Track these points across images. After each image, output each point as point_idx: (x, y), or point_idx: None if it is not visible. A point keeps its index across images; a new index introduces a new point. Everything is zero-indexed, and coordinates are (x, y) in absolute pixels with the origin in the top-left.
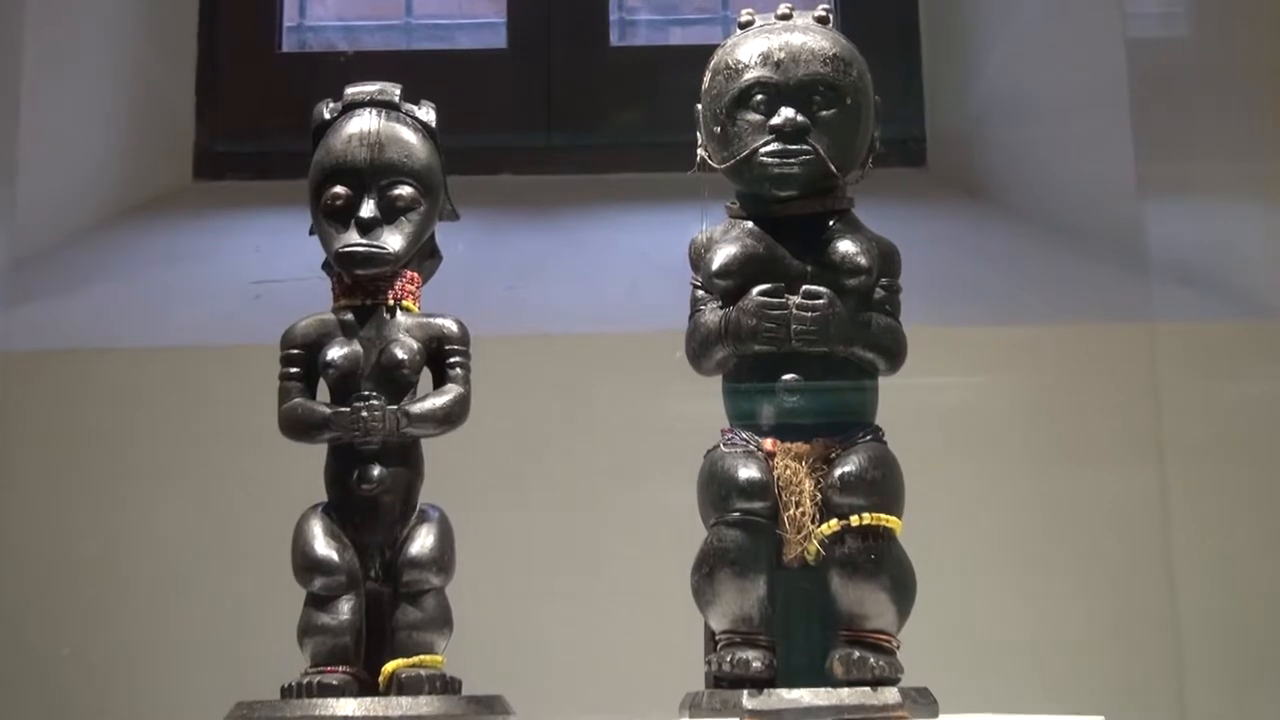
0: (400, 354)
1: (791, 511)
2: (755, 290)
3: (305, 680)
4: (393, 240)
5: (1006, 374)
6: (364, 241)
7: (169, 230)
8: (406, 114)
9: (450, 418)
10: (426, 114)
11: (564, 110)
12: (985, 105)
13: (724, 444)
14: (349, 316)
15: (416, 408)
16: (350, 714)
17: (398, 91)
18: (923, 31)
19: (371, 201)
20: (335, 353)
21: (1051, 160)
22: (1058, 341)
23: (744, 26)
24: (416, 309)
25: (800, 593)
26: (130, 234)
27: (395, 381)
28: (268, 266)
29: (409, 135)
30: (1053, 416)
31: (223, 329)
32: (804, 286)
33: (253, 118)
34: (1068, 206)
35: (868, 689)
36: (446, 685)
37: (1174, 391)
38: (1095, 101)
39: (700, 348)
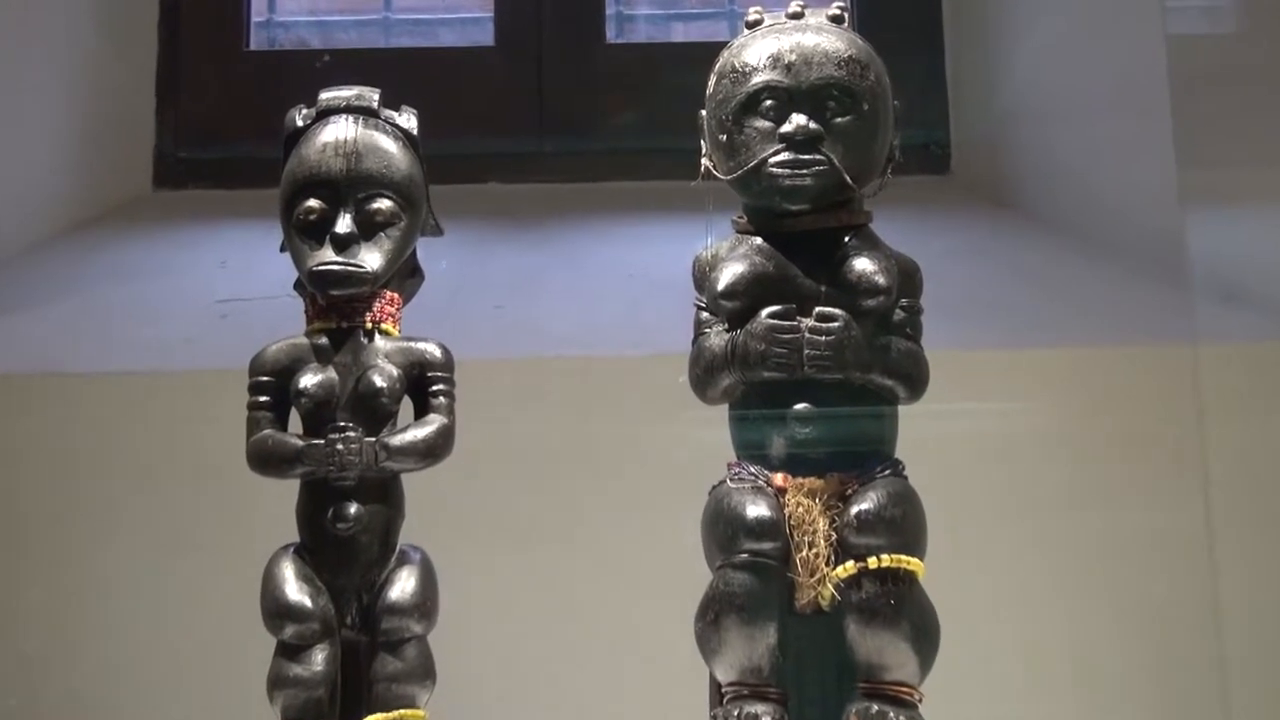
0: (379, 381)
1: (804, 553)
2: (764, 312)
3: None
4: (371, 258)
5: (1037, 400)
6: (340, 259)
7: (126, 244)
8: (386, 121)
9: (433, 450)
10: (408, 121)
11: (557, 113)
12: (1014, 108)
13: (731, 479)
14: (323, 341)
15: (396, 440)
16: None
17: (376, 96)
18: (946, 29)
19: (348, 216)
20: (308, 380)
21: (1085, 167)
22: (1093, 365)
23: (752, 26)
24: (396, 332)
25: (813, 641)
26: (84, 248)
27: (373, 411)
28: (235, 284)
29: (389, 144)
30: (1087, 447)
31: (185, 352)
32: (817, 308)
33: (218, 121)
34: (1103, 217)
35: None
36: None
37: (1220, 418)
38: (1133, 103)
39: (705, 374)
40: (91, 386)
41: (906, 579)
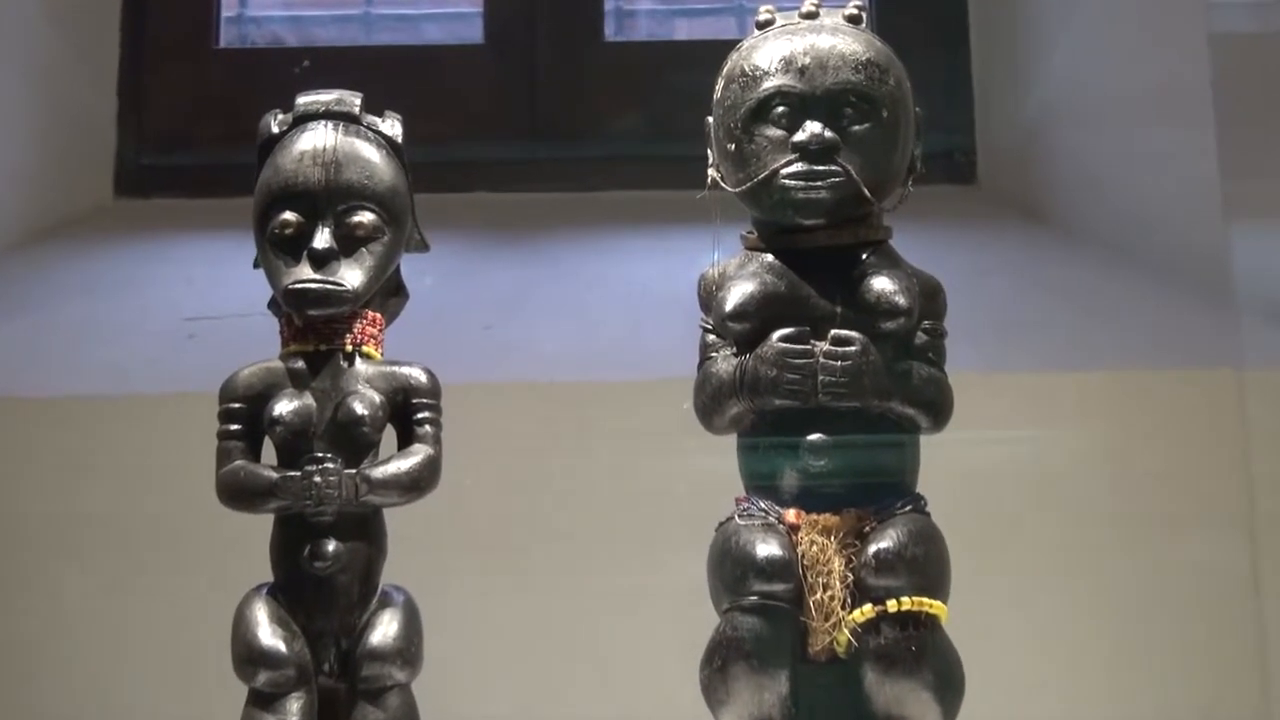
0: (359, 409)
1: (818, 595)
2: (776, 335)
3: None
4: (351, 275)
5: (1069, 429)
6: (318, 277)
7: (86, 257)
8: (368, 127)
9: (418, 483)
10: (391, 128)
11: (551, 117)
12: (1045, 112)
13: (739, 515)
14: (300, 364)
15: (378, 472)
16: None
17: (358, 101)
18: (972, 28)
19: (327, 230)
20: (284, 407)
21: (1122, 176)
22: (1130, 390)
23: (762, 26)
24: (379, 355)
25: (828, 691)
26: (39, 262)
27: (354, 441)
28: (203, 301)
29: (371, 153)
30: (1124, 477)
31: (149, 375)
32: (832, 331)
33: (185, 125)
34: (1141, 230)
35: None
36: None
37: (1266, 447)
38: (1174, 107)
39: (711, 401)
40: (47, 411)
41: (928, 623)
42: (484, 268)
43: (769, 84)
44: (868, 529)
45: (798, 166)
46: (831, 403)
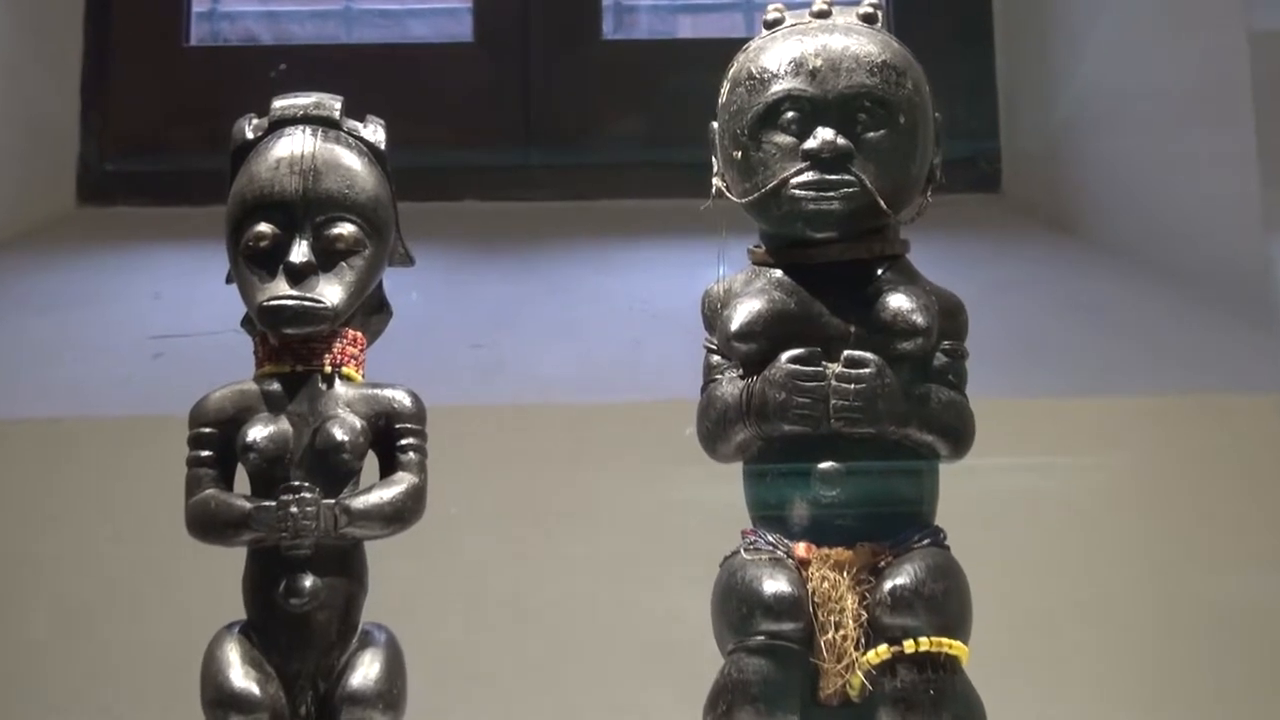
0: (339, 434)
1: (830, 635)
2: (785, 356)
3: None
4: (331, 291)
5: (1099, 457)
6: (295, 293)
7: (45, 269)
8: (349, 133)
9: (401, 514)
10: (374, 133)
11: (545, 120)
12: (1073, 117)
13: (745, 549)
14: (275, 387)
15: (359, 502)
16: None
17: (339, 105)
18: (997, 29)
19: (304, 243)
20: (258, 433)
21: (1154, 185)
22: (1165, 415)
23: (771, 26)
24: (360, 377)
25: None
26: None
27: (333, 469)
28: (171, 318)
29: (352, 160)
30: (1158, 511)
31: (114, 396)
32: (846, 352)
33: (152, 128)
34: (1175, 242)
35: None
36: None
37: None
38: (1211, 111)
39: (715, 427)
40: (3, 434)
41: (948, 665)
42: (473, 282)
43: (778, 88)
44: (883, 564)
45: (808, 176)
46: (844, 429)
